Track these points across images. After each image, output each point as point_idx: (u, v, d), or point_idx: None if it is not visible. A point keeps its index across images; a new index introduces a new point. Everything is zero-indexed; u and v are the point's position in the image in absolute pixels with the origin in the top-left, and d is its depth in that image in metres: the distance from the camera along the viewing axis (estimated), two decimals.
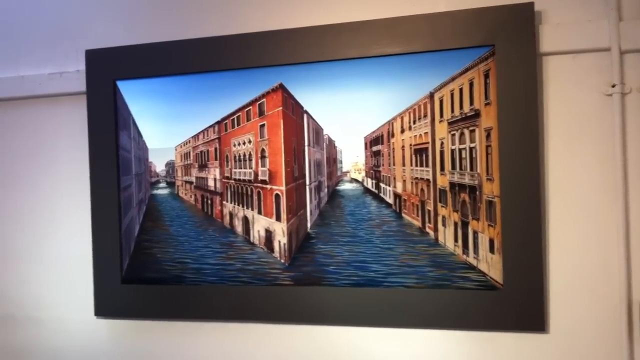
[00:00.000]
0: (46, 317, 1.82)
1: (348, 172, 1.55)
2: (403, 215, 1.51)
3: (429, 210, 1.48)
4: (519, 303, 1.43)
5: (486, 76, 1.43)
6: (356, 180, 1.55)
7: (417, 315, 1.49)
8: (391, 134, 1.49)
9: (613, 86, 1.40)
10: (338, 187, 1.55)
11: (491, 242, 1.44)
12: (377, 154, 1.52)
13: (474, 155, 1.44)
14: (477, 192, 1.44)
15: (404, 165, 1.50)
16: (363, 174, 1.54)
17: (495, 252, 1.43)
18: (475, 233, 1.45)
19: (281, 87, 1.54)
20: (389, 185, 1.51)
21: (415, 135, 1.48)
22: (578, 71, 1.44)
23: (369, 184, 1.53)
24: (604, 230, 1.43)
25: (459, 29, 1.45)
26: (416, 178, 1.49)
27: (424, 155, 1.47)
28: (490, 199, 1.43)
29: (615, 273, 1.42)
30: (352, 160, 1.54)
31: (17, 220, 1.84)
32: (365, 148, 1.52)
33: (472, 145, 1.44)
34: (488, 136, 1.43)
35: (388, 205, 1.52)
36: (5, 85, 1.82)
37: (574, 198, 1.45)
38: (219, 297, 1.62)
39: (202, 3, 1.68)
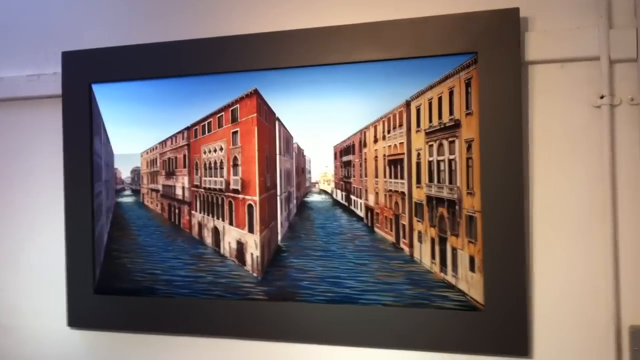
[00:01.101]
0: (20, 325, 1.78)
1: (317, 182, 1.48)
2: (375, 229, 1.43)
3: (403, 225, 1.41)
4: (500, 325, 1.35)
5: (467, 85, 1.36)
6: (325, 192, 1.48)
7: (395, 335, 1.42)
8: (363, 144, 1.42)
9: (602, 97, 1.32)
10: (306, 199, 1.48)
11: (471, 259, 1.36)
12: (347, 164, 1.45)
13: (453, 168, 1.37)
14: (457, 207, 1.36)
15: (376, 176, 1.42)
16: (332, 185, 1.47)
17: (476, 271, 1.35)
18: (454, 250, 1.37)
19: (256, 92, 1.48)
20: (360, 198, 1.44)
21: (390, 146, 1.40)
22: (566, 81, 1.36)
23: (339, 195, 1.46)
24: (592, 248, 1.35)
25: (441, 35, 1.38)
26: (390, 190, 1.41)
27: (398, 167, 1.40)
28: (471, 214, 1.35)
29: (603, 295, 1.33)
30: (321, 170, 1.47)
31: None
32: (335, 158, 1.45)
33: (452, 157, 1.37)
34: (469, 148, 1.35)
35: (359, 218, 1.44)
36: None
37: (560, 215, 1.36)
38: (191, 310, 1.56)
39: (187, 6, 1.63)
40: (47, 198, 1.73)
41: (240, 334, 1.54)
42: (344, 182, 1.46)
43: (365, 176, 1.44)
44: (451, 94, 1.37)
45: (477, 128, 1.35)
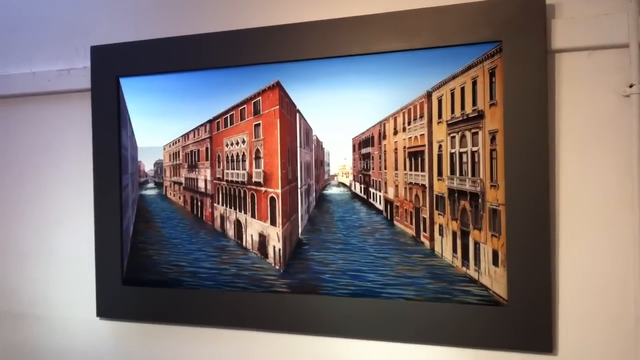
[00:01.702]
0: (52, 316, 1.82)
1: (335, 175, 1.46)
2: (395, 222, 1.41)
3: (424, 218, 1.38)
4: (524, 321, 1.32)
5: (492, 75, 1.32)
6: (343, 185, 1.46)
7: (417, 329, 1.40)
8: (383, 136, 1.40)
9: (631, 86, 1.27)
10: (325, 192, 1.47)
11: (495, 254, 1.33)
12: (366, 156, 1.43)
13: (476, 160, 1.34)
14: (480, 200, 1.34)
15: (396, 169, 1.40)
16: (351, 177, 1.45)
17: (500, 265, 1.32)
18: (476, 244, 1.34)
19: (278, 85, 1.47)
20: (380, 191, 1.42)
21: (410, 137, 1.38)
22: (594, 70, 1.32)
23: (357, 188, 1.45)
24: (619, 242, 1.30)
25: (464, 24, 1.34)
26: (410, 183, 1.39)
27: (419, 159, 1.37)
28: (495, 207, 1.32)
29: (631, 290, 1.29)
30: (340, 163, 1.45)
31: (28, 219, 1.84)
32: (354, 150, 1.43)
33: (475, 148, 1.34)
34: (493, 139, 1.32)
35: (378, 211, 1.43)
36: (18, 81, 1.82)
37: (587, 208, 1.32)
38: (217, 302, 1.56)
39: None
40: (78, 190, 1.76)
41: (264, 326, 1.54)
42: (363, 175, 1.44)
43: (385, 169, 1.42)
44: (474, 84, 1.33)
45: (502, 119, 1.31)
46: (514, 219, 1.32)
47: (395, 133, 1.39)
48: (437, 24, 1.36)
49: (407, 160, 1.39)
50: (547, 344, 1.32)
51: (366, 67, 1.41)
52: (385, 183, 1.42)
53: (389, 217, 1.42)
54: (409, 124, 1.38)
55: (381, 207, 1.42)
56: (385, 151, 1.41)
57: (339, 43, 1.44)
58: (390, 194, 1.41)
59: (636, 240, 1.27)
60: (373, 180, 1.43)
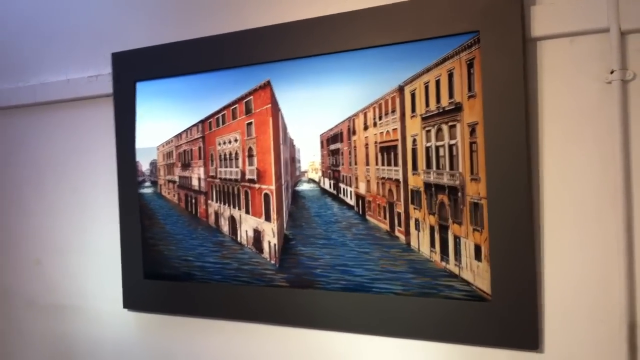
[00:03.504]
0: (88, 307, 1.93)
1: (306, 171, 1.48)
2: (367, 217, 1.41)
3: (398, 213, 1.37)
4: (509, 317, 1.29)
5: (469, 66, 1.30)
6: (313, 181, 1.47)
7: (407, 324, 1.39)
8: (352, 131, 1.40)
9: (612, 72, 1.21)
10: (297, 188, 1.49)
11: (477, 248, 1.30)
12: (335, 152, 1.43)
13: (454, 153, 1.31)
14: (459, 194, 1.31)
15: (367, 164, 1.40)
16: (320, 173, 1.46)
17: (483, 260, 1.30)
18: (456, 238, 1.32)
19: (269, 84, 1.51)
20: (350, 186, 1.42)
21: (382, 132, 1.37)
22: (576, 57, 1.26)
23: (326, 184, 1.45)
24: (606, 237, 1.24)
25: (441, 16, 1.32)
26: (383, 178, 1.38)
27: (392, 154, 1.37)
28: (476, 201, 1.30)
29: (617, 287, 1.23)
30: (310, 159, 1.47)
31: (69, 217, 1.96)
32: (322, 147, 1.44)
33: (452, 142, 1.31)
34: (472, 132, 1.30)
35: (350, 207, 1.43)
36: (54, 88, 1.94)
37: (572, 200, 1.27)
38: (226, 295, 1.62)
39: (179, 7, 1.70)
40: (107, 188, 1.86)
41: (268, 319, 1.58)
42: (332, 171, 1.45)
43: (355, 164, 1.42)
44: (450, 76, 1.31)
45: (482, 111, 1.29)
46: (497, 213, 1.29)
47: (366, 128, 1.39)
48: (414, 17, 1.35)
49: (379, 155, 1.39)
50: (533, 340, 1.28)
51: (336, 65, 1.42)
52: (356, 178, 1.42)
53: (360, 212, 1.42)
54: (380, 118, 1.37)
55: (352, 202, 1.43)
56: (355, 147, 1.41)
57: (311, 43, 1.46)
58: (362, 189, 1.41)
59: (621, 233, 1.21)
60: (343, 175, 1.44)
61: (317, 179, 1.48)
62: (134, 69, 1.74)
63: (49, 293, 2.00)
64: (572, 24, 1.25)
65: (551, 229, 1.29)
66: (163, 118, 1.68)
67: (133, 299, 1.79)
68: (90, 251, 1.91)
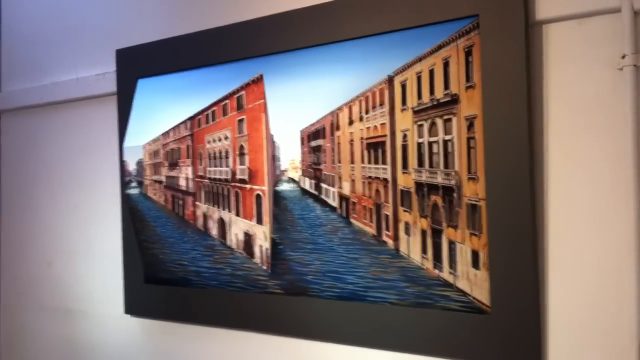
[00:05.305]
0: (93, 312, 1.89)
1: (286, 170, 1.38)
2: (351, 220, 1.30)
3: (386, 215, 1.26)
4: (510, 331, 1.16)
5: (468, 54, 1.18)
6: (293, 180, 1.37)
7: (405, 337, 1.28)
8: (336, 127, 1.29)
9: (623, 57, 1.07)
10: (277, 188, 1.39)
11: (475, 255, 1.18)
12: (317, 149, 1.33)
13: (449, 150, 1.19)
14: (455, 194, 1.19)
15: (352, 162, 1.29)
16: (300, 172, 1.36)
17: (481, 268, 1.17)
18: (451, 243, 1.20)
19: (262, 78, 1.42)
20: (333, 186, 1.31)
21: (369, 127, 1.26)
22: (584, 41, 1.13)
23: (307, 184, 1.35)
24: (615, 241, 1.10)
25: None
26: (369, 177, 1.27)
27: (379, 151, 1.25)
28: (474, 202, 1.18)
29: (626, 298, 1.08)
30: (290, 157, 1.37)
31: (75, 217, 1.93)
32: (302, 143, 1.33)
33: (448, 137, 1.19)
34: (470, 126, 1.18)
35: (332, 208, 1.32)
36: (64, 88, 1.92)
37: (578, 201, 1.14)
38: (222, 302, 1.54)
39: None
40: (112, 189, 1.82)
41: (264, 327, 1.50)
42: (314, 169, 1.35)
43: (339, 162, 1.31)
44: (446, 65, 1.19)
45: (481, 103, 1.17)
46: (497, 216, 1.16)
47: (351, 123, 1.28)
48: (407, 2, 1.24)
49: (366, 152, 1.27)
50: (536, 357, 1.15)
51: (320, 57, 1.33)
52: (340, 178, 1.31)
53: (344, 215, 1.32)
54: (367, 112, 1.26)
55: (335, 203, 1.32)
56: (339, 143, 1.30)
57: (296, 35, 1.38)
58: (346, 190, 1.30)
59: (633, 238, 1.07)
60: (325, 175, 1.33)
61: (297, 179, 1.38)
62: (136, 65, 1.70)
63: (58, 296, 1.98)
64: (580, 3, 1.12)
65: (557, 234, 1.16)
66: (156, 115, 1.61)
67: (134, 304, 1.74)
68: (96, 253, 1.88)
